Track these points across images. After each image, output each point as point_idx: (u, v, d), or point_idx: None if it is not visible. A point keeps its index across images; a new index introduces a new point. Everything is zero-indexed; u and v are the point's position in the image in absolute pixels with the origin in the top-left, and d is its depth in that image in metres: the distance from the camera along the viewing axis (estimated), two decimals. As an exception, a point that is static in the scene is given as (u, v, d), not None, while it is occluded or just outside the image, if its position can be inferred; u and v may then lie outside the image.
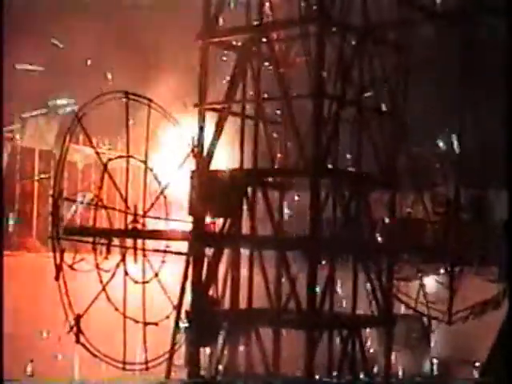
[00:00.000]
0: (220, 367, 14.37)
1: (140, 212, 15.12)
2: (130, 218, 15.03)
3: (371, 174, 15.18)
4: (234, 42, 15.31)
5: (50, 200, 14.79)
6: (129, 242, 15.10)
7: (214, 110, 15.08)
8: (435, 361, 17.44)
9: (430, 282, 17.52)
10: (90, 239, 14.70)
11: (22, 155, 32.36)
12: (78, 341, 13.97)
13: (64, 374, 15.30)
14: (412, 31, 15.95)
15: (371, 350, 15.72)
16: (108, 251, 14.74)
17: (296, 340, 13.92)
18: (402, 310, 16.95)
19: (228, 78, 14.88)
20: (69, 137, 14.54)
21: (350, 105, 14.73)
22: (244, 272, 14.75)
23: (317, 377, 13.68)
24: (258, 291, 14.98)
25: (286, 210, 15.44)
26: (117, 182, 15.17)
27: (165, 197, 15.97)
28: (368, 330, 15.54)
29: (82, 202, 15.72)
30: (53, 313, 14.76)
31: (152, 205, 15.48)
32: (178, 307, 14.61)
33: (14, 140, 30.23)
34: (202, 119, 14.96)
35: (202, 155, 14.83)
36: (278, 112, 15.66)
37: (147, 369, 14.77)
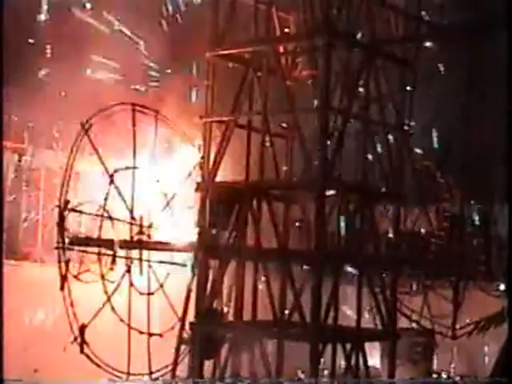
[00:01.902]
0: (223, 379, 14.39)
1: (145, 223, 15.19)
2: (135, 229, 15.10)
3: (376, 188, 15.21)
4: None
5: (56, 210, 14.83)
6: (134, 253, 15.16)
7: (220, 122, 15.13)
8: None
9: (434, 297, 17.53)
10: (96, 250, 14.77)
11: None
12: (82, 351, 14.02)
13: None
14: (419, 46, 16.02)
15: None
16: (113, 262, 14.80)
17: (299, 352, 13.93)
18: (406, 324, 16.94)
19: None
20: (76, 148, 14.64)
21: (356, 118, 14.78)
22: (248, 284, 14.78)
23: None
24: (262, 303, 14.99)
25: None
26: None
27: (170, 208, 16.03)
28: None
29: (87, 213, 15.78)
30: (57, 323, 14.79)
31: (158, 216, 15.55)
32: (183, 319, 14.64)
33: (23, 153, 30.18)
34: (208, 131, 15.02)
35: (207, 167, 14.88)
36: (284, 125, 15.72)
37: (151, 380, 14.80)
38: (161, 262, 15.46)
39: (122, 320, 14.52)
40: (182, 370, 14.66)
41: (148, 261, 15.25)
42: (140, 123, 15.50)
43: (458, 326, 17.24)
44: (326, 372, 14.32)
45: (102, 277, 14.44)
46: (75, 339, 13.95)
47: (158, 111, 15.66)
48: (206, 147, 15.00)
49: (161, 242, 15.28)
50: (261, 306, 15.04)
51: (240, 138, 14.87)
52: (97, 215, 15.01)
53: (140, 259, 15.10)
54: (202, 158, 15.00)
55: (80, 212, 15.86)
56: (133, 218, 15.05)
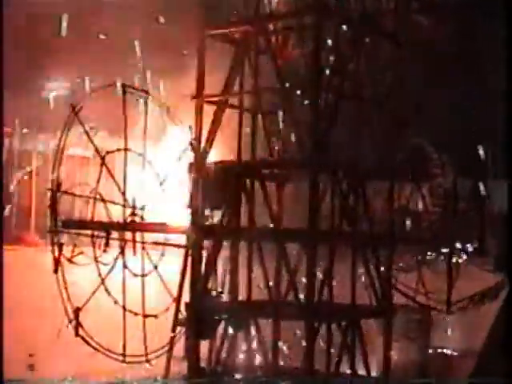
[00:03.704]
0: (220, 359, 14.42)
1: (138, 205, 15.13)
2: (128, 211, 15.04)
3: (369, 165, 15.19)
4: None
5: (48, 193, 14.76)
6: (128, 235, 15.11)
7: (211, 102, 15.08)
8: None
9: (429, 273, 17.54)
10: (89, 232, 14.72)
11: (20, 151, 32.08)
12: (77, 334, 14.01)
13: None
14: (410, 21, 15.97)
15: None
16: (107, 244, 14.75)
17: (296, 331, 13.97)
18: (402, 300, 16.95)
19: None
20: (66, 130, 14.53)
21: (348, 96, 14.74)
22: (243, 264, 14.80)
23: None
24: (257, 283, 15.02)
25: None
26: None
27: (163, 190, 15.97)
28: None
29: (80, 195, 15.70)
30: (52, 306, 14.76)
31: (150, 198, 15.48)
32: (178, 300, 14.64)
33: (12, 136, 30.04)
34: (199, 112, 14.96)
35: (199, 148, 14.84)
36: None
37: (147, 361, 14.80)
38: (154, 243, 15.42)
39: (116, 302, 14.49)
40: (178, 351, 14.70)
41: (142, 242, 15.20)
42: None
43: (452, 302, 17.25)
44: None
45: (96, 259, 14.39)
46: (70, 322, 13.93)
47: (148, 91, 15.54)
48: (197, 128, 14.96)
49: (154, 224, 15.22)
50: (255, 286, 15.08)
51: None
52: (89, 197, 14.94)
53: (133, 241, 15.05)
54: (194, 138, 14.95)
55: (72, 194, 15.77)
56: (125, 199, 14.98)
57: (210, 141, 14.86)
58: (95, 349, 14.04)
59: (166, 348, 14.63)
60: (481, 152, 18.49)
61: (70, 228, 14.53)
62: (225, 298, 14.57)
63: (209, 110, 15.05)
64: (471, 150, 18.63)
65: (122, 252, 14.82)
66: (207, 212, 14.48)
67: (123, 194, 15.02)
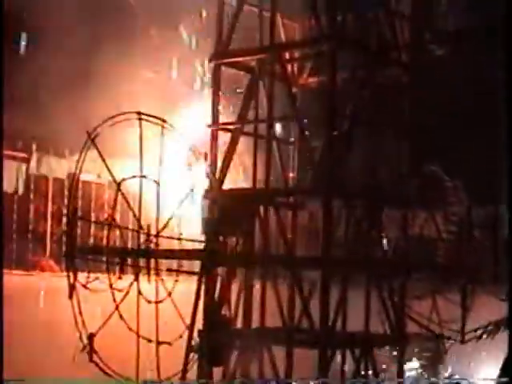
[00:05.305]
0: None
1: (153, 232, 15.17)
2: (143, 237, 15.09)
3: (384, 193, 15.21)
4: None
5: (64, 219, 14.86)
6: (142, 261, 15.14)
7: (226, 130, 15.17)
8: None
9: (443, 301, 17.46)
10: (104, 258, 14.77)
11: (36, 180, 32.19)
12: (91, 359, 14.02)
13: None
14: (424, 52, 16.05)
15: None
16: (121, 270, 14.78)
17: (309, 359, 13.93)
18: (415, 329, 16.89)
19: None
20: (82, 157, 14.62)
21: (363, 124, 14.80)
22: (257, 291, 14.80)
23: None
24: (270, 310, 15.00)
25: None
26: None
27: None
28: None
29: (95, 222, 15.79)
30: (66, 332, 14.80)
31: (165, 224, 15.52)
32: (191, 326, 14.63)
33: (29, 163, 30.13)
34: (214, 139, 15.05)
35: (214, 175, 14.91)
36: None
37: (161, 388, 14.78)
38: (169, 270, 15.45)
39: (130, 328, 14.50)
40: (191, 378, 14.67)
41: (156, 269, 15.23)
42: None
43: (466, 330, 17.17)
44: None
45: (111, 285, 14.42)
46: (84, 348, 13.95)
47: (164, 120, 15.63)
48: (212, 155, 15.04)
49: (169, 250, 15.26)
50: (269, 313, 15.06)
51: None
52: (104, 224, 15.01)
53: (148, 267, 15.08)
54: (209, 165, 15.02)
55: (88, 221, 15.88)
56: (140, 226, 15.03)
57: (225, 168, 14.94)
58: (108, 374, 14.05)
59: (180, 375, 14.61)
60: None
61: (85, 254, 14.60)
62: (238, 324, 14.57)
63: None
64: (485, 177, 18.62)
65: (137, 278, 14.85)
66: (221, 239, 14.51)
67: (138, 220, 15.08)
